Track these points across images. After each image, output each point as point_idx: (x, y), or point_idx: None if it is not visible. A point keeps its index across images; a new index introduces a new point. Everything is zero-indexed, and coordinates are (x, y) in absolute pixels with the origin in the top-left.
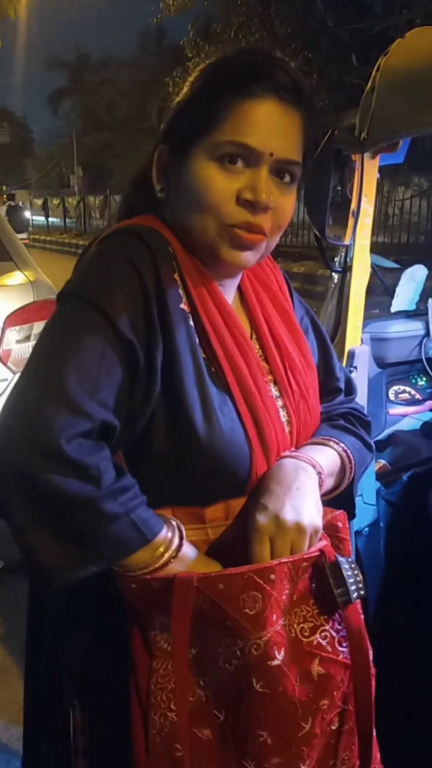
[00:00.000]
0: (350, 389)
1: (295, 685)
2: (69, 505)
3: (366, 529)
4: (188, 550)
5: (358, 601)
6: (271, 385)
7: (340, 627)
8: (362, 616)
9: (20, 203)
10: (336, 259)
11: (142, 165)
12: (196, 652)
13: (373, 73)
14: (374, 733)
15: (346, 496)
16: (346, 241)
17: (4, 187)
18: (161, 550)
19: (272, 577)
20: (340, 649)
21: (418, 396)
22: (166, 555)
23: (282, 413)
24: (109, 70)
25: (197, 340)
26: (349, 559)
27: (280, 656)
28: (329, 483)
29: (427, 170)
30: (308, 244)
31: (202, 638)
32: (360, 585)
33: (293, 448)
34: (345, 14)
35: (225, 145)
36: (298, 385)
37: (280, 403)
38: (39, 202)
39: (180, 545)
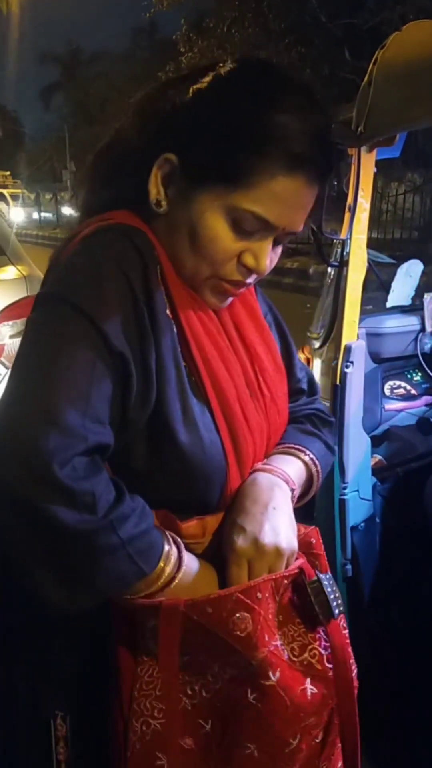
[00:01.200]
0: (313, 389)
1: (288, 705)
2: (64, 536)
3: (362, 524)
4: (189, 565)
5: (341, 616)
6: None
7: (326, 644)
8: (346, 631)
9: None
10: (333, 253)
11: (109, 149)
12: (187, 659)
13: (370, 66)
14: (359, 746)
15: (308, 502)
16: (343, 236)
17: (18, 181)
18: (159, 581)
19: (259, 596)
20: (329, 666)
21: (413, 391)
22: (161, 581)
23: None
24: (102, 64)
25: (179, 349)
26: (328, 576)
27: (275, 677)
28: (296, 494)
29: (421, 166)
30: (300, 239)
31: (194, 649)
32: (340, 600)
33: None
34: (338, 9)
35: (245, 213)
36: (269, 389)
37: (252, 406)
38: (32, 196)
39: (179, 566)
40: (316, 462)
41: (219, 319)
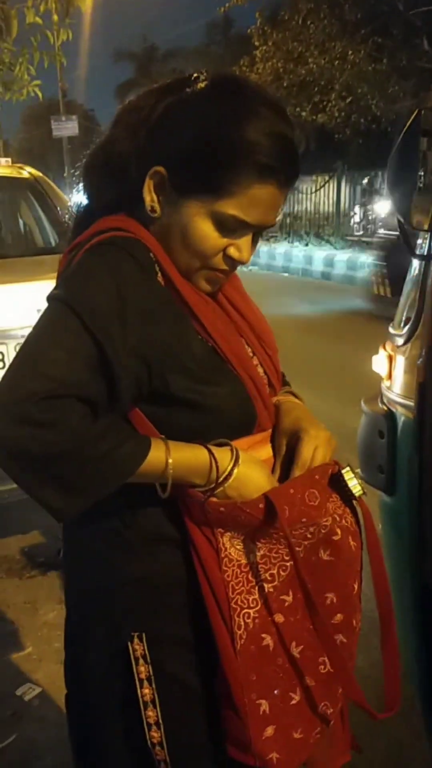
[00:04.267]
0: None
1: (349, 553)
2: (53, 460)
3: None
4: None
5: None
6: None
7: (352, 514)
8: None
9: None
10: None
11: (105, 154)
12: (263, 552)
13: None
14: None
15: None
16: (429, 228)
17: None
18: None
19: (317, 477)
20: (357, 528)
21: None
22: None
23: (260, 370)
24: (176, 60)
25: (194, 328)
26: (351, 466)
27: (339, 533)
28: None
29: None
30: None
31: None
32: (362, 485)
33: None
34: None
35: (228, 217)
36: (270, 348)
37: (255, 361)
38: None
39: (235, 461)
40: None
41: (215, 300)
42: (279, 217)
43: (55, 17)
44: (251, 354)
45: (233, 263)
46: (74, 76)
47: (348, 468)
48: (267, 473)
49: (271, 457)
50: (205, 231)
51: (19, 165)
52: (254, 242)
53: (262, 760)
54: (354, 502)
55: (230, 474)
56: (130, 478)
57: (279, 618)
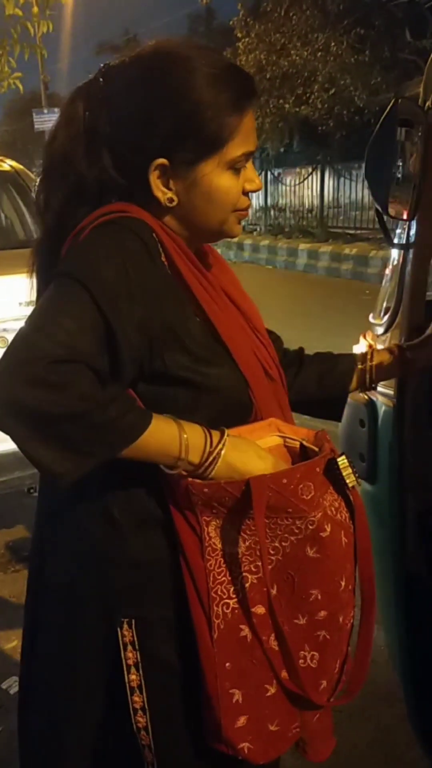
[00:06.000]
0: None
1: (337, 551)
2: (62, 421)
3: None
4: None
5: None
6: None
7: (347, 509)
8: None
9: None
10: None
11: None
12: (249, 543)
13: None
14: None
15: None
16: (407, 217)
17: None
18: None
19: (317, 470)
20: (351, 522)
21: None
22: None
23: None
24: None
25: (194, 309)
26: (345, 455)
27: (328, 529)
28: None
29: None
30: (360, 225)
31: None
32: (357, 474)
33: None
34: None
35: (238, 157)
36: (265, 339)
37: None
38: None
39: (220, 439)
40: None
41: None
42: None
43: (35, 9)
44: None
45: (249, 196)
46: (56, 68)
47: (343, 456)
48: (262, 458)
49: (278, 445)
50: (227, 182)
51: (0, 158)
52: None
53: (233, 748)
54: (347, 491)
55: (218, 455)
56: (138, 453)
57: (260, 610)
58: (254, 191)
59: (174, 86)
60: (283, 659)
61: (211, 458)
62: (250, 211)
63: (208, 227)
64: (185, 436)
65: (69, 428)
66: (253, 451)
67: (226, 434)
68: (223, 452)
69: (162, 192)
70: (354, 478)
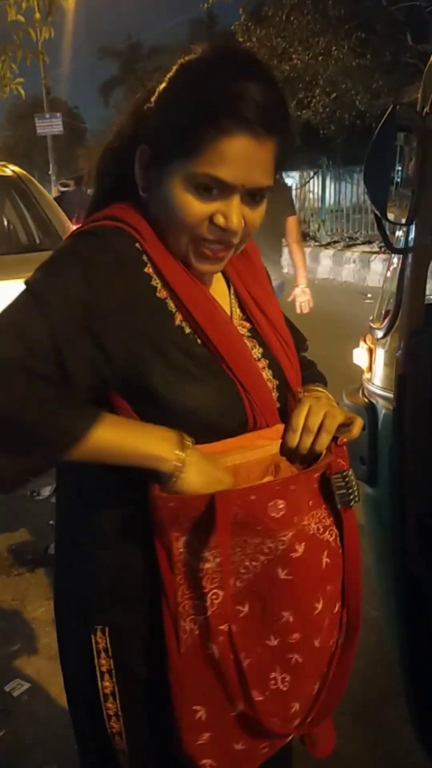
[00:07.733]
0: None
1: (311, 572)
2: None
3: None
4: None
5: (354, 505)
6: (258, 350)
7: (338, 528)
8: (356, 518)
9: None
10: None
11: (110, 144)
12: (218, 561)
13: None
14: (361, 609)
15: None
16: (406, 221)
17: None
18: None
19: (292, 488)
20: (340, 544)
21: None
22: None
23: (266, 373)
24: (161, 57)
25: (182, 321)
26: (348, 472)
27: (300, 549)
28: None
29: None
30: (359, 229)
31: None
32: (356, 494)
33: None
34: None
35: (201, 176)
36: (290, 350)
37: (266, 363)
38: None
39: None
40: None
41: (241, 299)
42: (276, 177)
43: (38, 15)
44: (258, 356)
45: (222, 232)
46: (58, 73)
47: (340, 475)
48: (224, 472)
49: (247, 462)
50: (187, 200)
51: (2, 163)
52: (252, 207)
53: (195, 764)
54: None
55: (183, 465)
56: (101, 455)
57: (228, 628)
58: (223, 228)
59: (180, 80)
60: (254, 679)
61: (180, 463)
62: None
63: (170, 243)
64: (155, 434)
65: (3, 431)
66: (214, 466)
67: (191, 443)
68: (187, 462)
69: (141, 178)
70: (349, 499)
